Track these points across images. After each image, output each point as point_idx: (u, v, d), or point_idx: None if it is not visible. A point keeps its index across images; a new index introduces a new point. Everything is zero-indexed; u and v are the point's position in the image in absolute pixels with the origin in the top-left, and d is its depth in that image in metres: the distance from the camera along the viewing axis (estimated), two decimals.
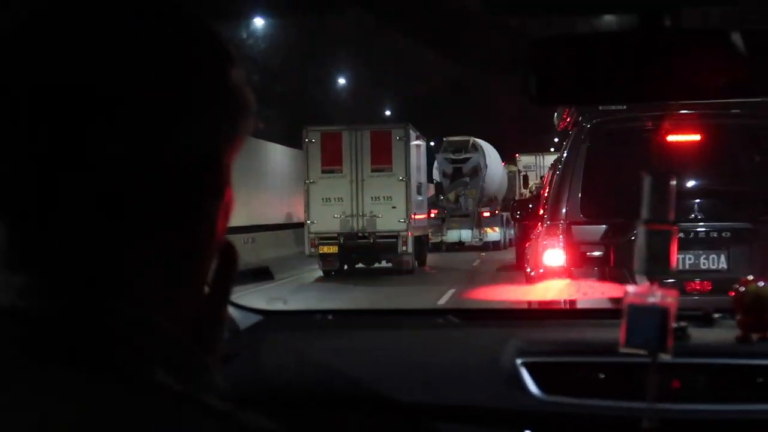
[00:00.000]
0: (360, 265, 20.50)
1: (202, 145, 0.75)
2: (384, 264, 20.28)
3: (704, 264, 5.99)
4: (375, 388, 1.99)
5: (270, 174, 32.65)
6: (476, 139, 29.72)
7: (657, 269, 1.78)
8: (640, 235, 1.79)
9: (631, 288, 1.79)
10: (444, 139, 30.34)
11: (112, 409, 0.65)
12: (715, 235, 6.02)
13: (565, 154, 6.85)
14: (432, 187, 29.59)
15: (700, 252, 6.01)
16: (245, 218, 25.00)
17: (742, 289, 1.96)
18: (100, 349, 0.69)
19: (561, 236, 6.11)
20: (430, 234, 27.69)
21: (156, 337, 0.72)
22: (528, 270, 6.63)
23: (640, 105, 6.04)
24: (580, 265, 6.00)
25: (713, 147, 6.25)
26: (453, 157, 29.32)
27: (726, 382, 1.92)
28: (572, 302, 5.10)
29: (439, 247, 28.14)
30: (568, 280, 5.62)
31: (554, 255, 6.10)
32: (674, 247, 1.77)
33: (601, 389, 1.94)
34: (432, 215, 28.14)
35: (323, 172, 20.05)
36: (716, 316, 2.17)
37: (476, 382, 1.98)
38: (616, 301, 5.28)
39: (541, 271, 6.12)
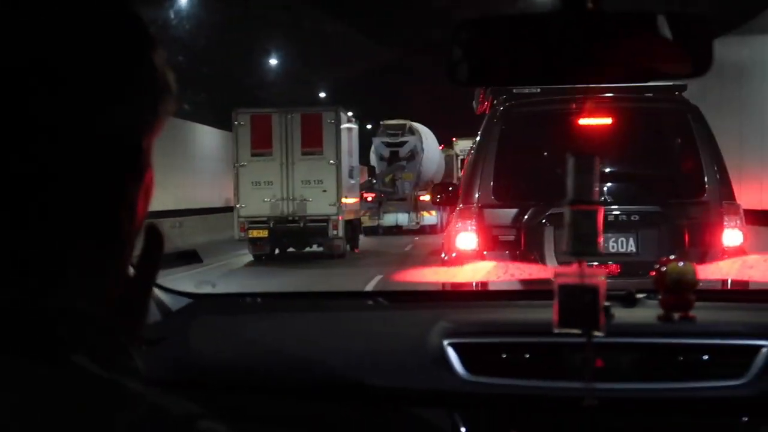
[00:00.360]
0: (291, 249, 20.42)
1: (122, 127, 0.74)
2: (315, 248, 20.22)
3: (613, 247, 6.03)
4: (304, 370, 1.99)
5: (199, 157, 32.28)
6: (413, 123, 29.82)
7: (585, 249, 1.81)
8: (566, 216, 1.82)
9: (560, 269, 1.81)
10: (381, 122, 30.38)
11: (29, 395, 0.65)
12: (624, 219, 6.06)
13: (478, 138, 6.85)
14: (365, 170, 29.60)
15: (610, 235, 6.03)
16: (173, 202, 24.68)
17: (664, 269, 2.00)
18: (21, 335, 0.68)
19: (473, 220, 6.12)
20: (368, 217, 27.72)
21: (76, 320, 0.71)
22: (442, 255, 6.61)
23: (553, 88, 6.09)
24: (493, 249, 6.01)
25: (624, 130, 6.30)
26: (390, 140, 29.37)
27: (651, 361, 1.96)
28: (499, 284, 5.14)
29: (376, 230, 28.22)
30: (495, 262, 5.64)
31: (467, 239, 6.10)
32: (600, 227, 1.80)
33: (528, 369, 1.96)
34: (369, 199, 28.17)
35: (253, 155, 19.86)
36: (639, 296, 2.21)
37: (405, 364, 1.99)
38: (541, 282, 5.32)
39: (454, 255, 6.13)
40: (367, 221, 28.31)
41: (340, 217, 19.85)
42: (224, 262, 18.61)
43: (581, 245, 1.80)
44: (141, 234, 0.81)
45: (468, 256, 5.96)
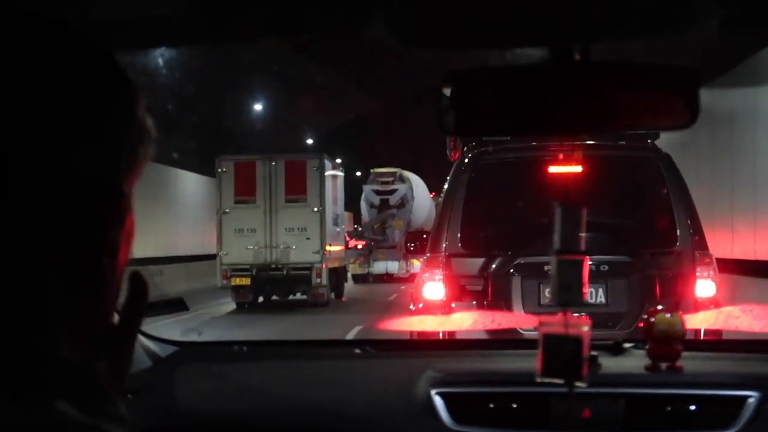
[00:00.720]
0: (275, 297, 20.30)
1: (102, 173, 0.75)
2: (299, 296, 20.11)
3: None
4: (290, 419, 1.97)
5: (182, 203, 32.10)
6: (403, 171, 29.93)
7: (570, 298, 1.81)
8: (552, 266, 1.82)
9: (545, 318, 1.81)
10: (371, 170, 30.47)
11: None
12: (594, 269, 5.81)
13: (446, 186, 6.76)
14: (351, 217, 29.62)
15: None
16: (154, 249, 24.50)
17: (652, 319, 2.00)
18: (2, 377, 0.67)
19: (440, 269, 6.00)
20: (358, 265, 27.64)
21: (59, 366, 0.71)
22: (410, 306, 6.45)
23: (524, 136, 6.09)
24: (460, 299, 5.89)
25: (594, 179, 6.12)
26: (380, 188, 29.44)
27: (638, 411, 1.95)
28: (488, 332, 5.06)
29: (366, 278, 28.19)
30: (479, 312, 5.57)
31: (434, 288, 5.98)
32: (586, 277, 1.80)
33: (514, 419, 1.95)
34: (359, 246, 28.13)
35: (236, 202, 19.82)
36: (626, 345, 2.21)
37: (392, 412, 1.98)
38: (513, 332, 5.23)
39: (421, 305, 6.00)
40: (357, 269, 28.29)
41: (324, 265, 19.77)
42: (206, 311, 18.49)
43: (567, 295, 1.81)
44: (125, 281, 0.81)
45: (435, 306, 5.84)
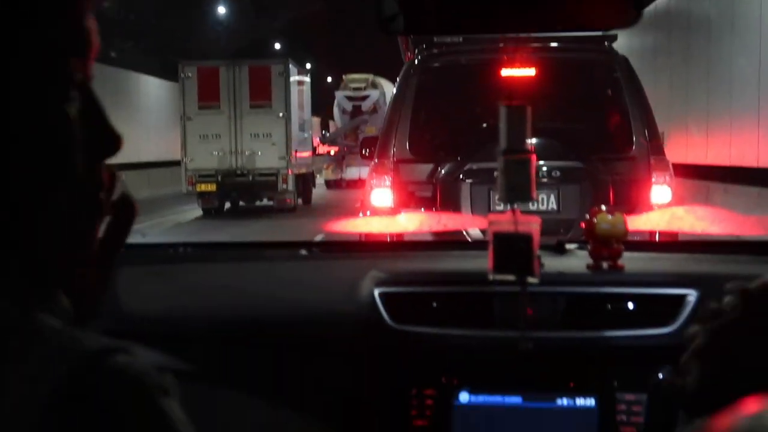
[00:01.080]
0: (241, 203, 20.31)
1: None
2: (266, 202, 20.12)
3: (533, 205, 5.64)
4: (233, 320, 1.98)
5: (145, 109, 31.54)
6: (376, 77, 29.69)
7: (518, 197, 1.81)
8: (499, 166, 1.82)
9: (494, 217, 1.81)
10: (343, 76, 30.23)
11: None
12: (545, 175, 5.78)
13: (394, 90, 6.56)
14: (317, 123, 29.51)
15: None
16: (114, 156, 24.14)
17: (594, 219, 2.01)
18: None
19: (388, 175, 5.89)
20: (330, 171, 27.65)
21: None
22: (359, 214, 6.34)
23: (476, 37, 5.82)
24: (408, 205, 5.80)
25: (548, 82, 6.00)
26: (352, 95, 29.27)
27: (579, 310, 1.97)
28: (435, 234, 5.01)
29: (339, 183, 28.27)
30: (427, 214, 5.48)
31: (382, 195, 5.89)
32: (533, 175, 1.80)
33: (457, 318, 1.96)
34: (332, 153, 28.10)
35: (200, 108, 19.65)
36: (569, 246, 2.22)
37: (335, 313, 1.98)
38: (469, 235, 5.18)
39: (368, 213, 5.93)
40: (330, 174, 28.34)
41: (289, 171, 19.77)
42: (170, 217, 18.46)
43: (515, 194, 1.81)
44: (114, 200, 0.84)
45: (383, 213, 5.75)
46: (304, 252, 2.32)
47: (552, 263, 2.00)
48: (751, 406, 0.61)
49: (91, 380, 0.66)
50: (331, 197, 24.35)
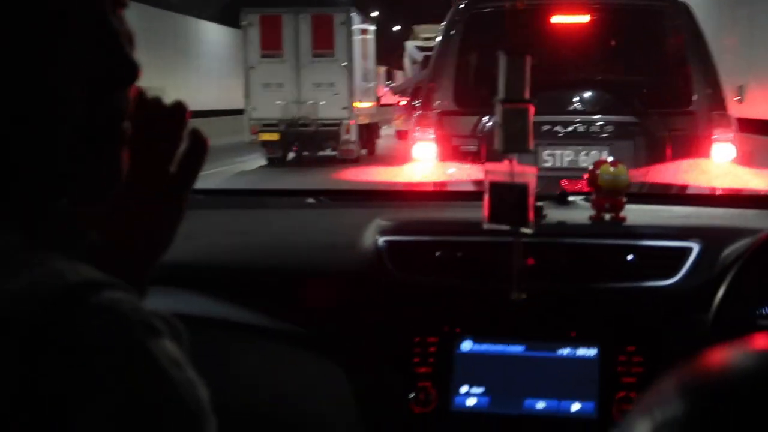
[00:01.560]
0: (305, 153, 20.35)
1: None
2: (329, 152, 20.13)
3: (584, 161, 5.42)
4: (237, 267, 2.02)
5: (204, 56, 31.29)
6: None
7: (515, 146, 1.82)
8: (497, 114, 1.82)
9: (491, 166, 1.82)
10: (413, 26, 30.00)
11: None
12: (597, 130, 5.52)
13: (439, 38, 6.29)
14: (382, 72, 29.35)
15: (580, 148, 5.52)
16: (132, 84, 24.11)
17: (598, 171, 2.00)
18: None
19: (432, 128, 5.68)
20: (401, 121, 27.58)
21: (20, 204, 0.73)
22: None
23: None
24: (452, 159, 5.51)
25: (601, 30, 5.70)
26: (423, 44, 29.07)
27: (581, 261, 1.98)
28: (442, 184, 4.80)
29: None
30: (436, 163, 5.28)
31: (425, 148, 5.67)
32: (531, 125, 1.81)
33: (459, 267, 1.98)
34: (401, 103, 28.05)
35: (263, 56, 19.62)
36: (571, 197, 2.22)
37: (340, 260, 2.02)
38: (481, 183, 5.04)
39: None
40: (401, 125, 28.27)
41: (352, 121, 19.73)
42: (231, 167, 18.61)
43: (512, 143, 1.81)
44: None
45: (427, 166, 5.53)
46: (311, 200, 2.35)
47: (554, 214, 2.00)
48: (762, 341, 0.54)
49: (63, 317, 0.62)
50: (398, 148, 24.27)
